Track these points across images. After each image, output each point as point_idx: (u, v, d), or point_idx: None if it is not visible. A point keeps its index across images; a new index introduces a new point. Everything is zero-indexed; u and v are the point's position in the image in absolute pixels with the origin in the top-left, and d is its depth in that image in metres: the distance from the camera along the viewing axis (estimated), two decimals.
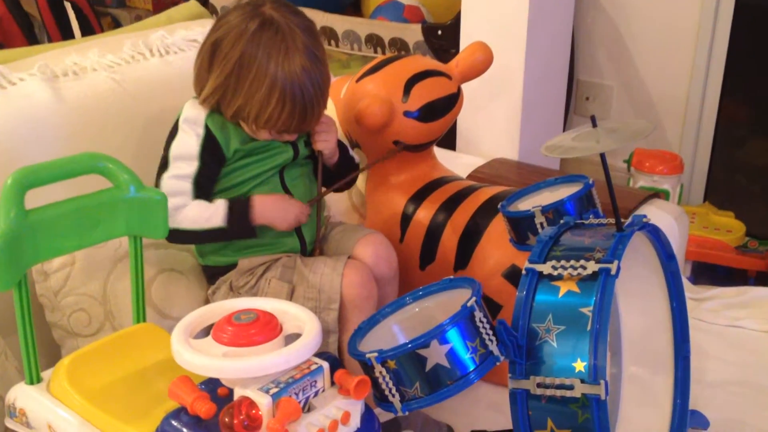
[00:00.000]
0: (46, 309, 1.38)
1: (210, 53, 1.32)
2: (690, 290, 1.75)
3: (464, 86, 1.92)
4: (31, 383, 1.18)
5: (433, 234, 1.51)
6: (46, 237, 1.15)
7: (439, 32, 2.40)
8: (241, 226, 1.33)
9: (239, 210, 1.33)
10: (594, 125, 1.10)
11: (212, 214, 1.32)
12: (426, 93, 1.51)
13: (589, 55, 3.09)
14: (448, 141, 2.19)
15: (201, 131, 1.34)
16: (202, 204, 1.33)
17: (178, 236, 1.33)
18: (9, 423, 1.20)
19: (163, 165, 1.34)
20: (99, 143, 1.49)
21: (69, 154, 1.30)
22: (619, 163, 2.92)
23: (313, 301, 1.30)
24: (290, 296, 1.31)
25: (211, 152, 1.34)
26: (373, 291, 1.32)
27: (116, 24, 3.26)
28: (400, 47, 2.50)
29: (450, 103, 1.55)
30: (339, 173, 1.46)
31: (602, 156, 1.08)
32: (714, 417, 1.36)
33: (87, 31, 2.62)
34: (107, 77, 1.59)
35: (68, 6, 2.56)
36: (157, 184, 1.33)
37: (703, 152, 2.96)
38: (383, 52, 2.56)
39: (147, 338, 1.25)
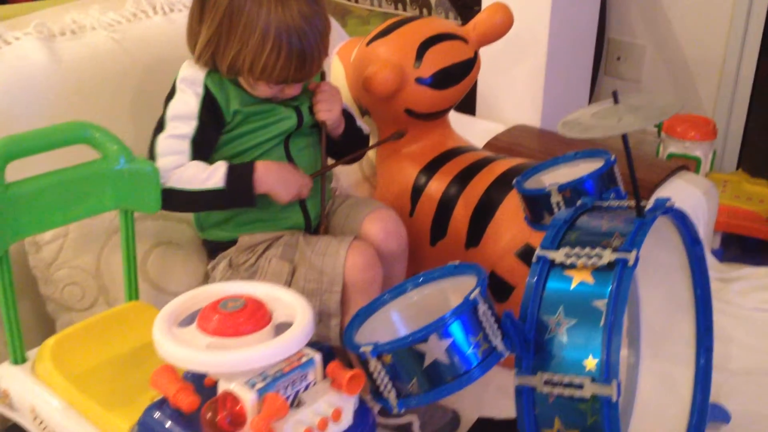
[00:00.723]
0: (39, 281, 1.33)
1: (200, 4, 1.25)
2: (717, 269, 1.67)
3: (486, 47, 1.82)
4: (16, 363, 1.13)
5: (445, 208, 1.44)
6: (27, 212, 1.09)
7: None
8: (240, 190, 1.24)
9: (240, 172, 1.25)
10: (616, 101, 1.00)
11: (211, 174, 1.23)
12: (440, 58, 1.42)
13: (621, 13, 2.96)
14: (468, 105, 2.10)
15: (200, 90, 1.26)
16: (200, 164, 1.25)
17: (171, 198, 1.23)
18: None
19: (159, 126, 1.27)
20: (96, 107, 1.43)
21: (64, 119, 1.24)
22: (649, 128, 2.81)
23: (315, 282, 1.23)
24: (291, 276, 1.24)
25: (210, 112, 1.26)
26: (378, 274, 1.24)
27: None
28: (422, 4, 2.39)
29: (466, 68, 1.46)
30: (345, 144, 1.38)
31: (624, 137, 0.99)
32: (736, 409, 1.30)
33: None
34: (107, 36, 1.52)
35: None
36: (151, 147, 1.25)
37: (738, 116, 2.83)
38: (404, 9, 2.46)
39: (137, 318, 1.19)
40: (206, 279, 1.38)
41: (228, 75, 1.26)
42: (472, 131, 1.82)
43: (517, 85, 1.94)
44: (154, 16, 1.60)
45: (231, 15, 1.21)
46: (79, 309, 1.32)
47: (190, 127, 1.24)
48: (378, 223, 1.32)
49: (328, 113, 1.32)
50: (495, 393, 1.35)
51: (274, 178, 1.26)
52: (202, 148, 1.26)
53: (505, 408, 1.27)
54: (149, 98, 1.45)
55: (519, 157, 1.48)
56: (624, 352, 1.26)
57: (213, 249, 1.34)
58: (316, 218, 1.35)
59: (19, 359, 1.13)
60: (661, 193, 1.63)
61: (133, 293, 1.23)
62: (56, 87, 1.42)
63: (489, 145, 1.77)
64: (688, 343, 1.22)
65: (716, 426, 1.27)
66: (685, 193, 1.65)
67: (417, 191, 1.47)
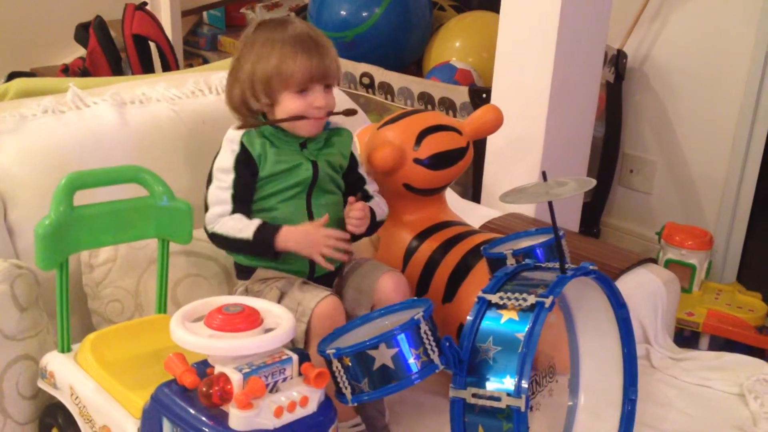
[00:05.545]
0: (89, 297, 1.61)
1: (231, 69, 1.59)
2: (673, 351, 1.88)
3: (491, 146, 2.13)
4: (62, 351, 1.42)
5: (429, 269, 1.70)
6: (86, 230, 1.39)
7: (484, 95, 2.60)
8: (264, 245, 1.51)
9: (267, 230, 1.51)
10: (545, 179, 1.28)
11: (245, 227, 1.51)
12: (436, 144, 1.70)
13: (636, 130, 3.24)
14: (476, 194, 2.39)
15: (236, 147, 1.54)
16: (242, 218, 1.52)
17: (215, 239, 1.53)
18: (40, 383, 1.43)
19: (209, 179, 1.56)
20: (152, 162, 1.71)
21: None
22: (651, 235, 3.05)
23: (292, 310, 1.43)
24: (278, 300, 1.48)
25: (244, 164, 1.53)
26: (340, 323, 1.44)
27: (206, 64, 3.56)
28: (448, 106, 2.70)
29: (458, 155, 1.74)
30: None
31: (550, 204, 1.26)
32: None
33: (166, 68, 2.95)
34: (168, 107, 1.85)
35: (152, 46, 2.90)
36: (205, 196, 1.55)
37: (738, 232, 3.05)
38: (433, 109, 2.77)
39: (162, 326, 1.44)
40: None
41: (263, 105, 1.54)
42: (473, 214, 2.10)
43: (516, 179, 2.20)
44: (209, 95, 1.94)
45: (247, 45, 1.55)
46: (119, 322, 1.59)
47: (229, 178, 1.52)
48: (391, 282, 1.56)
49: (356, 228, 1.57)
50: None
51: (294, 239, 1.51)
52: (242, 194, 1.53)
53: None
54: (196, 160, 1.76)
55: (497, 234, 1.75)
56: (565, 398, 1.49)
57: (239, 270, 1.61)
58: (320, 268, 1.61)
59: (66, 348, 1.41)
60: (626, 278, 1.87)
61: (162, 307, 1.52)
62: (122, 144, 1.74)
63: (484, 226, 2.04)
64: (617, 391, 1.45)
65: None
66: (647, 280, 1.89)
67: (409, 253, 1.74)
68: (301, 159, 1.57)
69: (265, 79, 1.53)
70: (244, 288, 1.59)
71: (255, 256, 1.56)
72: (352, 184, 1.65)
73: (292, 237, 1.51)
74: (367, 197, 1.66)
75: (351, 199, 1.57)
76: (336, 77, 1.58)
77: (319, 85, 1.54)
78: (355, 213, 1.57)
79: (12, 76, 2.75)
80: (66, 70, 3.05)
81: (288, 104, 1.54)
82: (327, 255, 1.51)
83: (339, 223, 1.61)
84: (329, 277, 1.62)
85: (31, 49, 3.62)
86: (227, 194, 1.53)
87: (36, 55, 3.61)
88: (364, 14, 3.10)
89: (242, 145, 1.54)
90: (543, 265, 1.37)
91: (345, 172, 1.64)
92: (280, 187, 1.55)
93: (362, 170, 1.68)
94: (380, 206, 1.66)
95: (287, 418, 1.16)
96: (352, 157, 1.66)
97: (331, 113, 1.57)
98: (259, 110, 1.57)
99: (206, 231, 1.54)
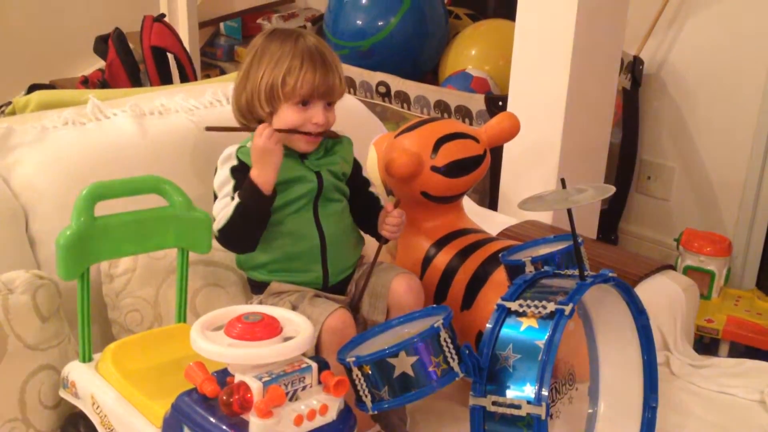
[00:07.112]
0: (108, 307, 1.62)
1: (239, 75, 1.58)
2: (693, 358, 1.86)
3: (508, 153, 2.13)
4: (83, 361, 1.42)
5: (448, 276, 1.70)
6: (108, 240, 1.40)
7: (500, 103, 2.60)
8: (249, 192, 1.47)
9: (245, 186, 1.48)
10: (564, 186, 1.28)
11: (233, 202, 1.49)
12: (453, 152, 1.70)
13: (653, 136, 3.23)
14: (493, 202, 2.39)
15: (233, 161, 1.55)
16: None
17: (222, 236, 1.50)
18: (62, 393, 1.44)
19: (214, 198, 1.56)
20: (171, 172, 1.73)
21: None
22: (669, 241, 3.04)
23: None
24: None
25: (241, 172, 1.52)
26: (350, 336, 1.42)
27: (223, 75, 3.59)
28: (465, 114, 2.71)
29: (475, 163, 1.74)
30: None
31: (569, 211, 1.26)
32: None
33: (184, 79, 2.98)
34: (186, 118, 1.87)
35: (171, 57, 2.93)
36: (213, 215, 1.55)
37: (757, 238, 3.03)
38: (450, 117, 2.77)
39: (182, 336, 1.45)
40: None
41: (265, 111, 1.54)
42: (492, 222, 2.10)
43: (533, 187, 2.20)
44: (227, 105, 1.95)
45: (257, 53, 1.54)
46: (138, 332, 1.60)
47: (228, 187, 1.52)
48: (404, 283, 1.57)
49: (391, 234, 1.59)
50: None
51: (256, 164, 1.48)
52: None
53: None
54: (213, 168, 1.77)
55: (515, 241, 1.74)
56: (585, 406, 1.49)
57: (253, 286, 1.62)
58: (333, 275, 1.62)
59: (87, 358, 1.42)
60: (644, 285, 1.86)
61: (182, 317, 1.52)
62: (141, 154, 1.75)
63: (501, 234, 2.03)
64: (636, 399, 1.44)
65: None
66: (666, 286, 1.88)
67: (427, 261, 1.74)
68: (304, 171, 1.57)
69: (269, 87, 1.53)
70: (258, 302, 1.59)
71: (260, 214, 1.51)
72: (357, 188, 1.66)
73: (255, 166, 1.48)
74: (375, 199, 1.67)
75: (388, 206, 1.60)
76: (339, 95, 1.58)
77: (320, 101, 1.54)
78: (392, 220, 1.59)
79: (32, 88, 2.78)
80: (85, 82, 3.09)
81: (287, 115, 1.53)
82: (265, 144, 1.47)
83: (347, 228, 1.63)
84: (343, 285, 1.63)
85: (50, 62, 3.67)
86: (227, 199, 1.52)
87: (56, 68, 3.65)
88: (380, 23, 3.10)
89: (238, 158, 1.55)
90: (562, 273, 1.37)
91: (348, 178, 1.65)
92: (286, 200, 1.55)
93: (365, 173, 1.69)
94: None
95: (307, 426, 1.17)
96: (355, 161, 1.67)
97: (325, 133, 1.58)
98: (262, 118, 1.57)
99: (217, 239, 1.53)
